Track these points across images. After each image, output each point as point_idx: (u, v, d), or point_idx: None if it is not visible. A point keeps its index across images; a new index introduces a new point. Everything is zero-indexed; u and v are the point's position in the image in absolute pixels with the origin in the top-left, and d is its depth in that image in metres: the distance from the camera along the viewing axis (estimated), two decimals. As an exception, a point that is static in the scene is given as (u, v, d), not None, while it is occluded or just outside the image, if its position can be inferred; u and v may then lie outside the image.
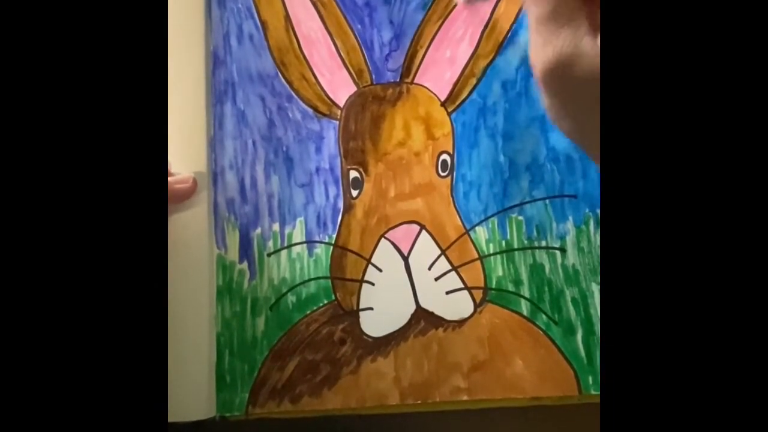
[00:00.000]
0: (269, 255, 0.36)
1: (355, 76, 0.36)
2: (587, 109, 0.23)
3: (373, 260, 0.35)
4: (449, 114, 0.36)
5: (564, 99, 0.23)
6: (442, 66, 0.36)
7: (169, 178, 0.35)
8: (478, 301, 0.34)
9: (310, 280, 0.35)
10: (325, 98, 0.37)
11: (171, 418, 0.33)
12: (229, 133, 0.37)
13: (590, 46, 0.22)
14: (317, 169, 0.36)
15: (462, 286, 0.34)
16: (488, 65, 0.36)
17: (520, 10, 0.36)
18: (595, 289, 0.33)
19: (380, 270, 0.35)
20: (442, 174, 0.35)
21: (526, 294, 0.34)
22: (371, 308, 0.35)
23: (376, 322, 0.35)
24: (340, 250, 0.35)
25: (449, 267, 0.35)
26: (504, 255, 0.34)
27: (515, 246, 0.34)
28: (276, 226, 0.36)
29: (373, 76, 0.36)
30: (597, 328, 0.33)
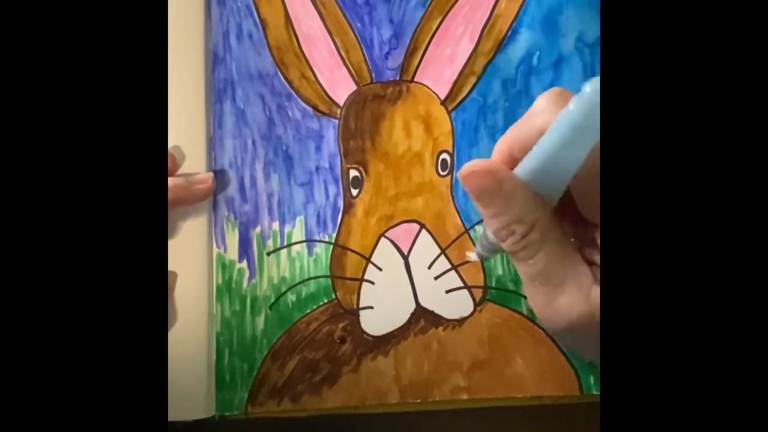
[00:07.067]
0: (269, 254, 0.36)
1: (354, 74, 0.36)
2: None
3: (373, 259, 0.35)
4: (449, 113, 0.36)
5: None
6: (442, 64, 0.36)
7: (189, 179, 0.35)
8: (478, 300, 0.34)
9: (310, 279, 0.35)
10: (325, 97, 0.36)
11: (171, 418, 0.33)
12: (228, 131, 0.37)
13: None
14: (317, 168, 0.36)
15: (462, 285, 0.34)
16: (488, 63, 0.36)
17: (520, 7, 0.36)
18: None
19: (380, 269, 0.35)
20: (442, 173, 0.35)
21: (527, 293, 0.34)
22: (371, 307, 0.35)
23: (376, 321, 0.35)
24: (340, 249, 0.35)
25: (449, 266, 0.35)
26: (504, 254, 0.34)
27: (515, 245, 0.34)
28: (276, 225, 0.36)
29: (373, 75, 0.36)
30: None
